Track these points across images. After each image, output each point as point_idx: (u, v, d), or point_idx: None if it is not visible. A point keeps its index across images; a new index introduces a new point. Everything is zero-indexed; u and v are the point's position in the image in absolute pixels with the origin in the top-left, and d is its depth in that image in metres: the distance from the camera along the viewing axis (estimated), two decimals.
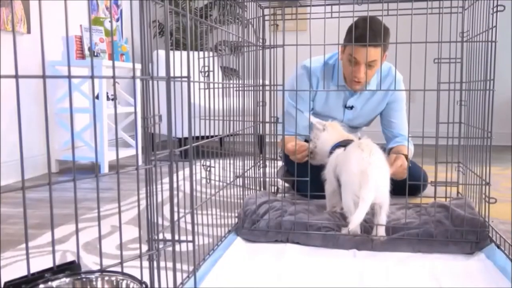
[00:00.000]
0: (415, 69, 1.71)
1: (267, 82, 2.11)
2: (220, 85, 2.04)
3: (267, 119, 2.15)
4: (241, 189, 2.07)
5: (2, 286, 0.85)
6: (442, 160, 1.82)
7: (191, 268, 1.41)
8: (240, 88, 2.01)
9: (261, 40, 2.17)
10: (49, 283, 0.89)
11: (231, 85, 2.01)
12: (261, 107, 2.19)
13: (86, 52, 3.33)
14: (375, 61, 2.12)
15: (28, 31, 3.09)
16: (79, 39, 3.30)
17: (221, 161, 1.99)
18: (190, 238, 1.13)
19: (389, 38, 2.10)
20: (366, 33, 1.84)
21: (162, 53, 4.02)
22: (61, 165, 3.50)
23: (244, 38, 2.01)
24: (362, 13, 1.83)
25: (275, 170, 2.48)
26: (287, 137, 2.26)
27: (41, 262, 1.59)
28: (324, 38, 1.71)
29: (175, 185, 1.94)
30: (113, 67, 0.97)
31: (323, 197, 2.00)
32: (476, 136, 1.75)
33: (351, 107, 2.40)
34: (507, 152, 4.38)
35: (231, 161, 1.99)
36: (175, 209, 1.69)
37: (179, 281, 1.29)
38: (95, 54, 3.35)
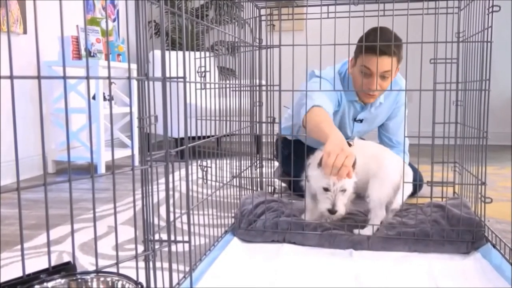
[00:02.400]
0: (411, 69, 1.71)
1: (263, 82, 2.11)
2: (217, 85, 2.04)
3: (264, 119, 2.15)
4: (237, 189, 2.07)
5: None
6: (438, 160, 1.83)
7: (187, 268, 1.41)
8: (237, 88, 2.01)
9: (257, 40, 2.18)
10: (45, 284, 0.89)
11: (228, 85, 2.01)
12: (257, 107, 2.19)
13: (83, 52, 3.32)
14: (388, 71, 2.04)
15: (25, 32, 3.09)
16: (75, 40, 3.30)
17: (217, 161, 1.99)
18: (186, 238, 1.13)
19: (402, 48, 2.06)
20: (380, 41, 1.82)
21: (158, 53, 4.01)
22: (58, 166, 3.49)
23: (241, 38, 2.01)
24: (358, 13, 1.84)
25: (272, 170, 2.48)
26: (315, 110, 1.99)
27: (38, 263, 1.59)
28: (320, 38, 1.72)
29: (171, 185, 1.94)
30: (109, 67, 0.97)
31: None
32: (472, 136, 1.75)
33: (361, 121, 2.37)
34: (504, 152, 4.39)
35: (228, 161, 1.99)
36: (171, 209, 1.69)
37: (175, 281, 1.29)
38: (92, 54, 3.35)
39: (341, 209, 1.66)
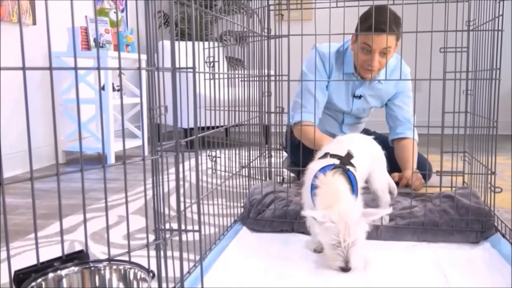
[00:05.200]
0: (421, 58, 1.70)
1: (272, 72, 2.11)
2: (226, 76, 2.04)
3: (273, 109, 2.15)
4: (246, 179, 2.07)
5: (12, 274, 0.86)
6: (447, 149, 1.82)
7: (197, 257, 1.43)
8: (246, 79, 2.01)
9: (266, 30, 2.17)
10: (58, 271, 0.90)
11: (237, 76, 2.01)
12: (266, 98, 2.19)
13: (92, 43, 3.33)
14: (388, 48, 2.10)
15: (34, 23, 3.10)
16: (84, 30, 3.30)
17: (226, 151, 2.00)
18: (196, 228, 1.14)
19: (401, 27, 2.08)
20: (380, 20, 1.84)
21: (167, 43, 4.01)
22: (67, 156, 3.52)
23: (249, 28, 2.01)
24: (367, 2, 1.83)
25: (281, 160, 2.48)
26: (306, 124, 2.20)
27: (49, 252, 1.61)
28: (329, 27, 1.71)
29: (181, 175, 1.95)
30: (119, 58, 0.97)
31: None
32: (482, 126, 1.74)
33: (360, 97, 2.38)
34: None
35: (237, 152, 2.00)
36: (181, 199, 1.70)
37: (185, 270, 1.30)
38: (101, 45, 3.35)
39: (357, 264, 1.41)
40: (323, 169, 1.52)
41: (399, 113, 2.40)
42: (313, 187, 1.51)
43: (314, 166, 1.59)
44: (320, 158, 1.65)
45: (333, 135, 2.25)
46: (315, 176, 1.52)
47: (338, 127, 2.54)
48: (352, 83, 2.35)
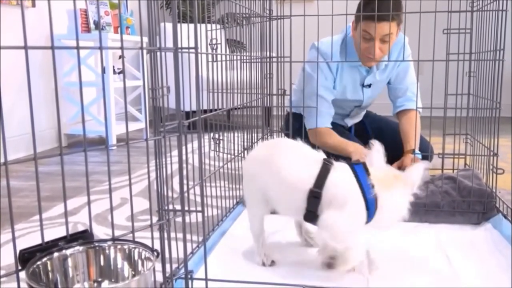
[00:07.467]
0: (424, 40, 1.69)
1: (274, 54, 2.10)
2: (227, 57, 2.03)
3: (274, 92, 2.14)
4: None
5: (17, 254, 0.87)
6: (450, 131, 1.82)
7: (200, 238, 1.43)
8: (247, 60, 2.00)
9: (268, 11, 2.15)
10: (63, 251, 0.91)
11: (238, 58, 2.00)
12: (268, 80, 2.18)
13: (92, 25, 3.31)
14: (389, 35, 2.05)
15: (33, 5, 3.08)
16: (84, 12, 3.28)
17: (228, 134, 1.99)
18: (199, 209, 1.14)
19: (401, 11, 2.04)
20: (379, 7, 1.80)
21: (168, 26, 3.98)
22: (70, 139, 3.52)
23: (251, 9, 1.99)
24: None
25: None
26: (322, 130, 2.19)
27: (52, 234, 1.61)
28: (332, 8, 1.70)
29: (184, 157, 1.94)
30: (121, 38, 0.97)
31: None
32: (484, 107, 1.74)
33: (369, 85, 2.34)
34: None
35: (239, 134, 2.00)
36: (184, 181, 1.70)
37: (189, 251, 1.31)
38: (101, 27, 3.33)
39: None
40: None
41: (398, 83, 2.36)
42: None
43: None
44: None
45: (335, 126, 2.23)
46: None
47: (341, 118, 2.50)
48: (359, 74, 2.30)
